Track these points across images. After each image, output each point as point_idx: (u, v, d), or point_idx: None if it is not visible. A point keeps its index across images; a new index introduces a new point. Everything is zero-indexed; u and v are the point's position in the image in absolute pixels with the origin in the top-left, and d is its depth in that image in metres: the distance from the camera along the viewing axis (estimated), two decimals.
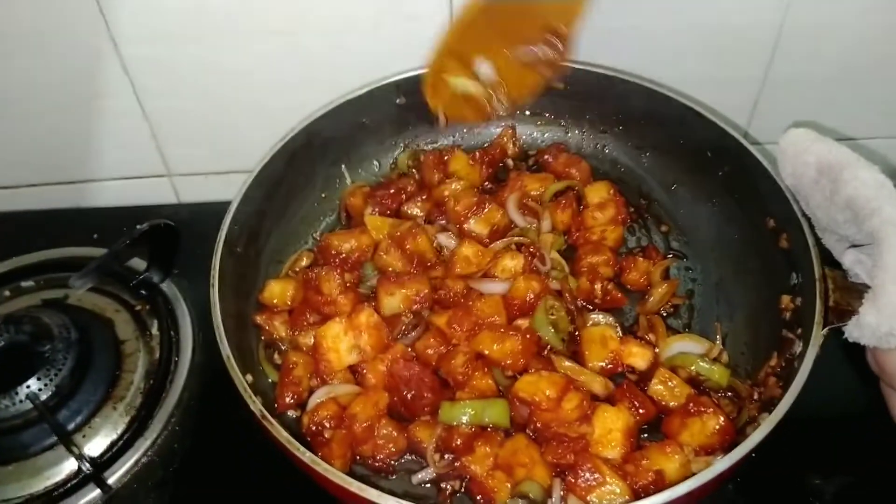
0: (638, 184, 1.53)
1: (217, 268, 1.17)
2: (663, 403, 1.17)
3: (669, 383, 1.17)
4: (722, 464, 0.94)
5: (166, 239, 1.40)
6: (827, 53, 1.48)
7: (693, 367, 1.20)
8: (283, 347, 1.28)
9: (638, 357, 1.21)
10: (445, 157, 1.48)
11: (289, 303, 1.29)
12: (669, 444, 1.08)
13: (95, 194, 1.65)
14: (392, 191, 1.44)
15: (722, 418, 1.10)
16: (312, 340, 1.23)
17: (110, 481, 1.17)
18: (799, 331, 1.13)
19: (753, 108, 1.59)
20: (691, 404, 1.12)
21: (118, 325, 1.37)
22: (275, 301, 1.29)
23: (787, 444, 1.00)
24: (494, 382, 1.18)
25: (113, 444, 1.22)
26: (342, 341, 1.19)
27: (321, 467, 0.95)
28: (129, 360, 1.32)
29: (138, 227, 1.37)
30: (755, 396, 1.16)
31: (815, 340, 1.04)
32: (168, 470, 1.21)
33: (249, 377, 1.12)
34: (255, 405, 1.03)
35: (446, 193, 1.42)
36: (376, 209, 1.42)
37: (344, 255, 1.34)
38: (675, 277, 1.38)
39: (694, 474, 0.97)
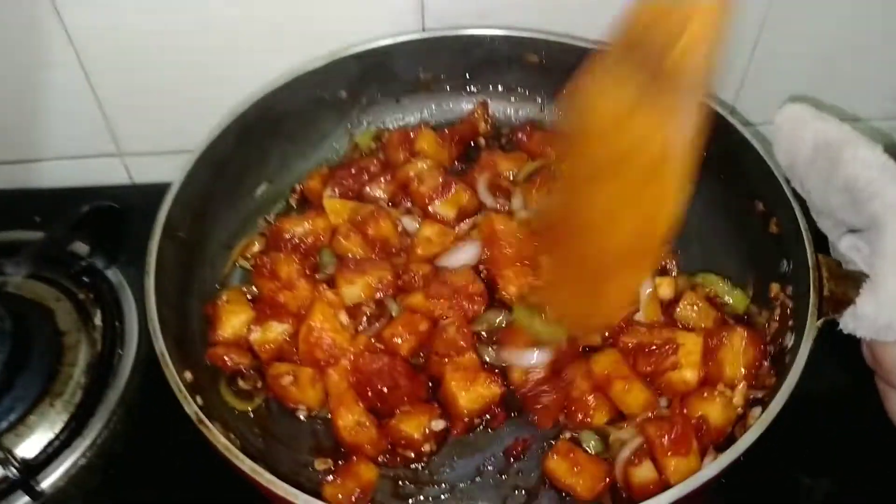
0: None
1: (154, 254, 1.08)
2: (691, 326, 1.15)
3: (696, 307, 1.16)
4: (710, 469, 0.88)
5: (111, 222, 1.31)
6: (819, 29, 1.40)
7: (713, 287, 1.19)
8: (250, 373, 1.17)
9: (665, 285, 1.19)
10: (412, 136, 1.39)
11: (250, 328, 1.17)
12: (706, 389, 1.06)
13: (41, 174, 1.54)
14: (353, 171, 1.34)
15: (744, 330, 1.09)
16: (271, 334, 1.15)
17: (44, 485, 1.08)
18: (790, 322, 1.07)
19: (740, 86, 1.50)
20: (712, 339, 1.09)
21: (59, 314, 1.27)
22: (234, 334, 1.17)
23: (776, 442, 0.93)
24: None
25: (49, 444, 1.12)
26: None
27: (264, 478, 0.87)
28: (69, 353, 1.22)
29: (81, 209, 1.28)
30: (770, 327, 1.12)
31: (808, 333, 0.98)
32: (107, 473, 1.13)
33: (189, 375, 1.03)
34: (191, 407, 0.95)
35: (411, 174, 1.32)
36: (336, 191, 1.32)
37: (297, 240, 1.24)
38: None
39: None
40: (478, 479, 1.08)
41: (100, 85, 1.40)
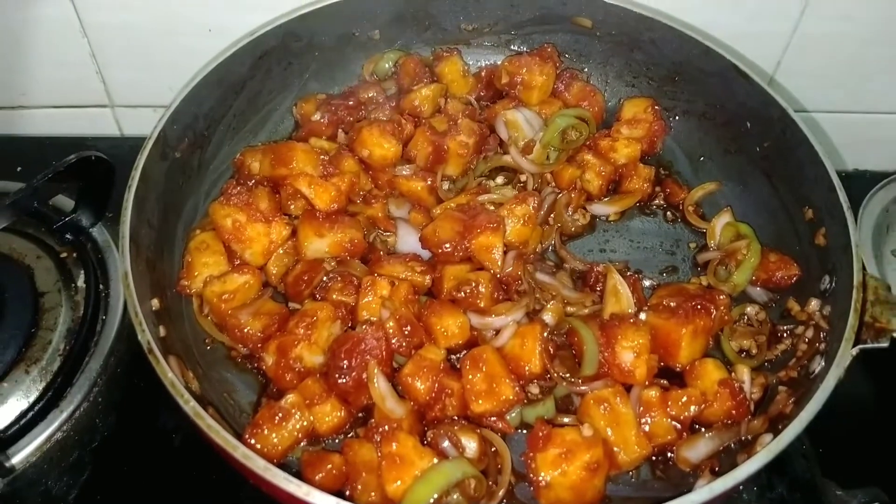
0: (660, 151, 1.42)
1: (141, 167, 1.08)
2: None
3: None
4: (699, 494, 0.86)
5: (99, 175, 1.29)
6: (861, 13, 1.39)
7: None
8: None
9: None
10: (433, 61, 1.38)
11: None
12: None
13: (25, 122, 1.54)
14: (351, 103, 1.32)
15: None
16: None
17: (15, 460, 1.09)
18: (821, 346, 1.07)
19: (777, 67, 1.50)
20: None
21: (38, 273, 1.27)
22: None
23: (807, 452, 0.97)
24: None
25: (22, 414, 1.13)
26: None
27: (204, 423, 0.88)
28: (48, 316, 1.23)
29: (67, 159, 1.25)
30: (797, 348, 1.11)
31: (840, 360, 0.97)
32: (86, 449, 1.13)
33: (156, 302, 1.03)
34: (144, 335, 0.93)
35: (416, 102, 1.30)
36: (325, 117, 1.31)
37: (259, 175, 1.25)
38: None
39: None
40: None
41: (91, 26, 1.39)
